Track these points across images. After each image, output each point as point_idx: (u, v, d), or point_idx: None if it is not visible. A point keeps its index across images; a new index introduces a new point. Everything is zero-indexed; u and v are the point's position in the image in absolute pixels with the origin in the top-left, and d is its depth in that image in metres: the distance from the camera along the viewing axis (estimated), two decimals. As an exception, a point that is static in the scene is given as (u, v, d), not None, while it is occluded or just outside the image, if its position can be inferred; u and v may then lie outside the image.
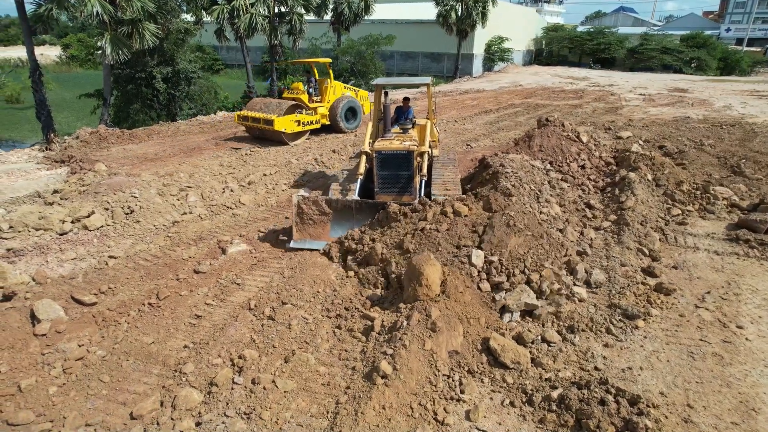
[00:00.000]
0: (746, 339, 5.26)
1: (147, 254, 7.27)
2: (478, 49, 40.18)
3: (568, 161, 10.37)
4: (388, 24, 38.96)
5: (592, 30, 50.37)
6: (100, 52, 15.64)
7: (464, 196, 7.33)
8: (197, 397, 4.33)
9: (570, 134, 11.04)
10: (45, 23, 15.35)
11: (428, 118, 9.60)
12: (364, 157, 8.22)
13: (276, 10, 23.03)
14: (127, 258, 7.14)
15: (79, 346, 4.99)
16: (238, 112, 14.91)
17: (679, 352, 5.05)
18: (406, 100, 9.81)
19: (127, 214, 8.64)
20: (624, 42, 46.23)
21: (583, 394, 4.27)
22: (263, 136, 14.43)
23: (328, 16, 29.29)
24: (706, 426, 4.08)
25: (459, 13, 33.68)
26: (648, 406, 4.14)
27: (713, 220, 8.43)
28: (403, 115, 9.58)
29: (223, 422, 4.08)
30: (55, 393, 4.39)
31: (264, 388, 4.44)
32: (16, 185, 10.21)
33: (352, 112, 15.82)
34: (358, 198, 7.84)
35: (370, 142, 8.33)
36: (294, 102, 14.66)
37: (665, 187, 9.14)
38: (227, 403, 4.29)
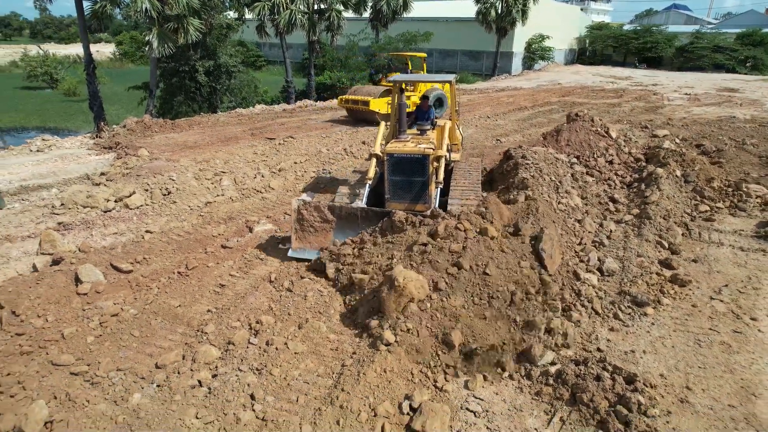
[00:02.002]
0: (759, 330, 5.19)
1: (180, 230, 7.79)
2: (518, 47, 39.71)
3: (595, 156, 10.29)
4: (427, 21, 39.08)
5: (638, 28, 48.64)
6: (148, 46, 16.63)
7: (483, 209, 6.07)
8: (215, 353, 4.71)
9: (599, 129, 10.92)
10: (99, 19, 16.48)
11: (450, 119, 8.87)
12: (374, 161, 7.44)
13: (315, 7, 23.64)
14: (161, 233, 7.68)
15: (115, 304, 5.50)
16: (342, 96, 17.39)
17: (686, 339, 5.05)
18: (424, 99, 9.17)
19: (164, 195, 9.24)
20: (672, 40, 44.43)
21: (580, 370, 4.38)
22: (361, 117, 16.66)
23: (366, 13, 29.73)
24: (702, 407, 4.12)
25: (499, 11, 33.41)
26: (645, 385, 4.21)
27: (743, 217, 8.22)
28: (423, 115, 8.80)
29: (236, 375, 4.44)
30: (92, 342, 4.88)
31: (276, 349, 4.77)
32: (69, 168, 11.05)
33: (439, 102, 17.42)
34: (365, 205, 7.08)
35: (382, 144, 7.59)
36: (389, 88, 16.32)
37: (694, 184, 8.95)
38: (242, 360, 4.65)
